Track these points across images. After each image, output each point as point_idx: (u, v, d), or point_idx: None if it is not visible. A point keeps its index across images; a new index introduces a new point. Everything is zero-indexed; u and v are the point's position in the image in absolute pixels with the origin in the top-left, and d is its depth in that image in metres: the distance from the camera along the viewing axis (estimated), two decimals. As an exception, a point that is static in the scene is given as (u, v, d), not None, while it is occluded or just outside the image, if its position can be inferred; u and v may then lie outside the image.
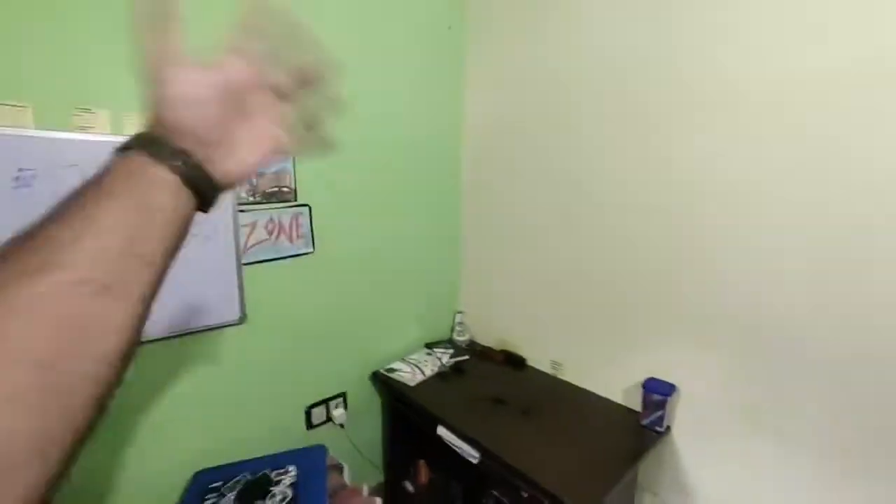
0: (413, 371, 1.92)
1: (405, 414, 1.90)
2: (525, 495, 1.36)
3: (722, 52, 1.32)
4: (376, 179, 1.87)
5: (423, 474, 2.08)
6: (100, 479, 1.31)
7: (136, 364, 0.97)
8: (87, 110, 1.19)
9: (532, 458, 1.39)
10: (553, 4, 1.75)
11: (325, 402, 1.86)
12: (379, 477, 2.14)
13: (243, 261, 1.50)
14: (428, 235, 2.15)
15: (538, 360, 2.01)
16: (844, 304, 1.18)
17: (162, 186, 0.32)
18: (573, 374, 1.87)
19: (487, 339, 2.22)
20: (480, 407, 1.69)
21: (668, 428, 1.56)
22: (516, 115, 1.95)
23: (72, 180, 1.15)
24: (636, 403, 1.61)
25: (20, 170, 1.09)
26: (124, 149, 0.32)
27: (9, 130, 1.07)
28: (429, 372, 1.94)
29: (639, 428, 1.56)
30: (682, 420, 1.56)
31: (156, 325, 1.36)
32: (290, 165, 1.59)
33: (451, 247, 2.29)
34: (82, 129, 1.18)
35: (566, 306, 1.87)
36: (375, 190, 1.88)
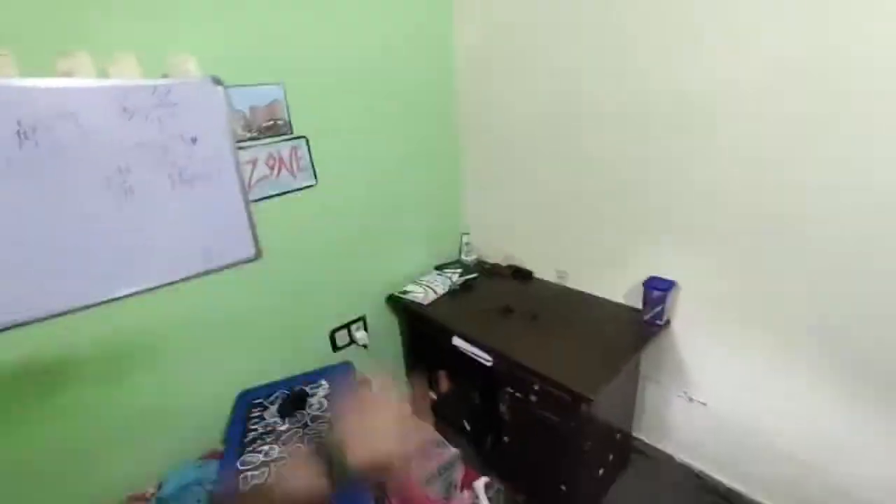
0: (426, 291, 2.03)
1: (422, 330, 2.03)
2: (536, 388, 1.50)
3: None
4: (370, 104, 1.84)
5: (444, 384, 2.26)
6: (162, 405, 1.47)
7: (173, 304, 1.06)
8: (68, 56, 1.16)
9: (541, 356, 1.52)
10: None
11: (347, 325, 1.99)
12: (404, 390, 2.35)
13: (250, 198, 1.54)
14: (428, 159, 2.14)
15: (544, 271, 2.09)
16: (831, 186, 1.20)
17: None
18: (578, 281, 1.97)
19: (494, 257, 2.30)
20: (491, 317, 1.81)
21: (668, 321, 1.67)
22: (504, 34, 1.85)
23: (69, 129, 1.16)
24: (638, 302, 1.70)
25: (19, 122, 1.09)
26: None
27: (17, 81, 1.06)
28: (440, 291, 2.04)
29: (640, 323, 1.67)
30: (681, 313, 1.66)
31: (179, 267, 1.44)
32: (281, 96, 1.56)
33: (452, 169, 2.29)
34: (66, 74, 1.17)
35: (567, 217, 1.91)
36: (371, 115, 1.85)
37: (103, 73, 1.22)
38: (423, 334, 2.05)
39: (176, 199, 1.40)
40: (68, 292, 1.26)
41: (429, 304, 1.96)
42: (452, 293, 2.05)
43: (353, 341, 2.03)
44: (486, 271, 2.23)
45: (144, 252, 1.37)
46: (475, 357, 1.70)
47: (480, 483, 1.35)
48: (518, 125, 1.96)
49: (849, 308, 1.27)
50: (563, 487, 1.60)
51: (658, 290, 1.60)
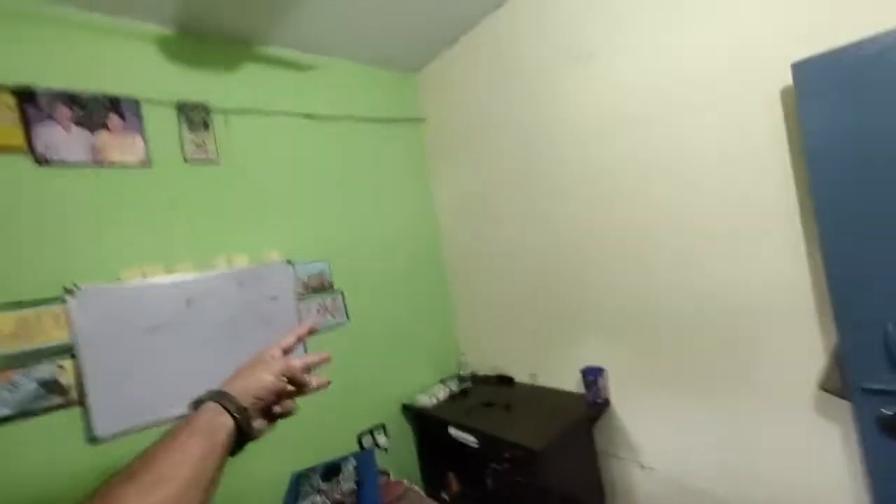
0: (431, 398, 2.64)
1: (428, 429, 2.58)
2: (507, 455, 2.01)
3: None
4: (385, 266, 2.76)
5: (454, 484, 2.68)
6: (239, 485, 2.05)
7: None
8: (215, 257, 2.14)
9: (507, 430, 2.07)
10: (474, 140, 2.74)
11: (371, 431, 2.57)
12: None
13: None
14: (429, 298, 2.99)
15: (521, 375, 2.70)
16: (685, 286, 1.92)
17: (225, 430, 0.54)
18: (546, 379, 2.55)
19: (484, 369, 2.92)
20: (476, 410, 2.38)
21: (607, 401, 2.21)
22: (464, 206, 2.87)
23: (210, 298, 2.05)
24: (582, 388, 2.27)
25: (188, 297, 2.01)
26: (202, 401, 0.56)
27: (192, 275, 2.02)
28: (442, 397, 2.65)
29: (586, 404, 2.21)
30: (615, 393, 2.21)
31: None
32: (327, 268, 2.50)
33: (447, 305, 3.11)
34: (212, 267, 2.13)
35: (530, 331, 2.61)
36: (386, 273, 2.76)
37: (230, 263, 2.18)
38: (430, 433, 2.58)
39: (261, 339, 2.23)
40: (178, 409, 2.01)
41: (432, 407, 2.56)
42: (452, 398, 2.65)
43: (375, 443, 2.58)
44: (479, 380, 2.84)
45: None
46: (465, 441, 2.23)
47: None
48: (485, 261, 2.81)
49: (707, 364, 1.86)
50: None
51: (591, 375, 2.19)
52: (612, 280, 2.14)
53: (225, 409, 0.57)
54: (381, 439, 2.60)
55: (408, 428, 2.77)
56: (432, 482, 2.70)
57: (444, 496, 2.66)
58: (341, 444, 2.43)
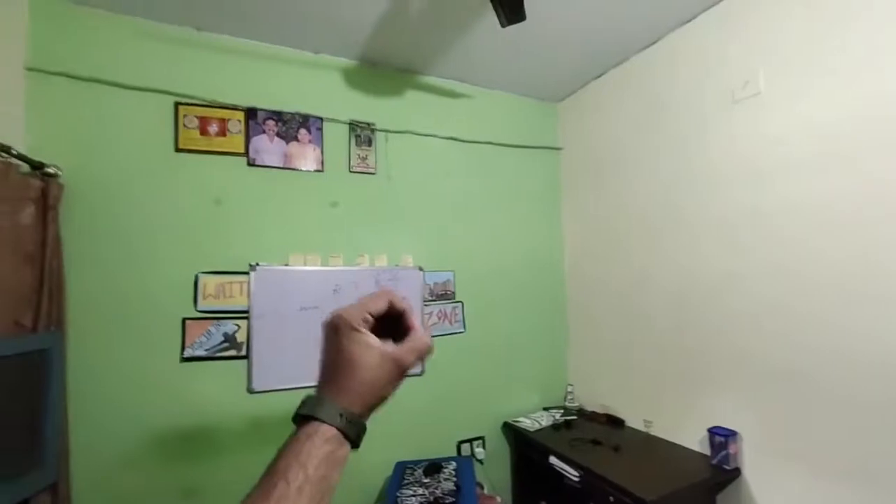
0: (533, 423, 2.61)
1: (527, 453, 2.55)
2: (612, 499, 1.91)
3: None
4: (507, 283, 2.85)
5: (545, 514, 2.60)
6: (349, 466, 2.29)
7: None
8: (361, 255, 2.45)
9: (615, 473, 1.96)
10: (610, 172, 2.70)
11: (470, 440, 2.64)
12: (510, 517, 2.72)
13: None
14: (543, 323, 2.98)
15: (634, 420, 2.52)
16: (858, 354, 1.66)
17: (343, 463, 0.47)
18: (661, 430, 2.36)
19: (593, 406, 2.80)
20: (581, 445, 2.29)
21: (738, 469, 1.96)
22: (592, 236, 2.81)
23: (352, 288, 2.36)
24: (708, 449, 2.05)
25: (336, 285, 2.34)
26: (305, 416, 0.48)
27: (341, 267, 2.36)
28: (545, 423, 2.61)
29: (710, 467, 1.98)
30: (750, 463, 1.95)
31: None
32: (452, 277, 2.67)
33: (560, 332, 3.06)
34: (357, 264, 2.44)
35: (651, 374, 2.44)
36: (506, 290, 2.84)
37: (372, 263, 2.48)
38: (527, 456, 2.55)
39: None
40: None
41: (534, 432, 2.53)
42: (555, 427, 2.59)
43: (473, 454, 2.64)
44: (585, 416, 2.73)
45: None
46: (565, 473, 2.17)
47: None
48: (607, 295, 2.72)
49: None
50: None
51: (720, 436, 1.97)
52: (759, 334, 1.91)
53: (346, 436, 0.49)
54: (479, 451, 2.65)
55: (505, 446, 2.77)
56: (526, 502, 2.65)
57: (535, 527, 2.59)
58: (440, 447, 2.54)
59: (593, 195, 2.86)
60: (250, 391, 2.13)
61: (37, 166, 1.79)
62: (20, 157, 1.70)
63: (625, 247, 2.62)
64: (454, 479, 1.92)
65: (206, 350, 2.06)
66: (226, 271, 2.15)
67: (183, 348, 2.03)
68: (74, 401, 1.82)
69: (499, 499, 2.32)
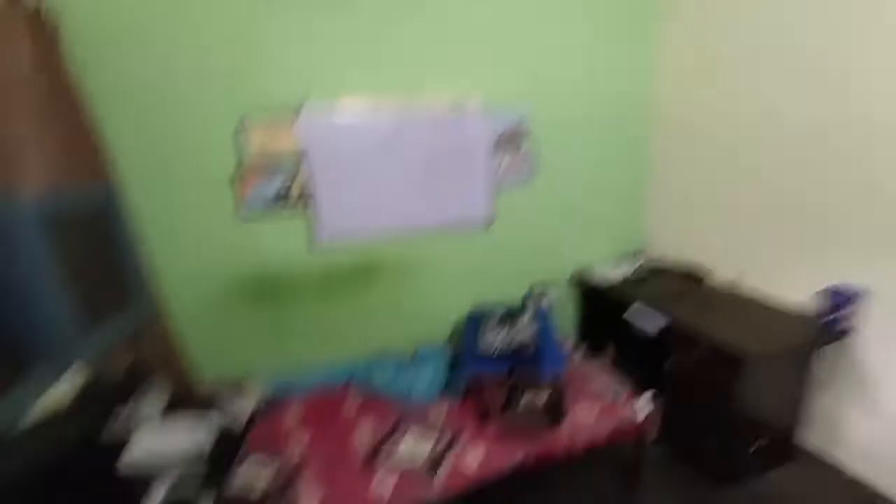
0: (606, 275, 2.50)
1: (598, 304, 2.51)
2: (699, 353, 1.84)
3: None
4: (583, 127, 2.45)
5: (608, 356, 2.66)
6: (422, 306, 2.33)
7: (428, 244, 1.87)
8: (420, 90, 2.08)
9: (707, 327, 1.85)
10: None
11: (538, 288, 2.60)
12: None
13: (496, 182, 2.30)
14: (623, 170, 2.65)
15: (720, 274, 2.35)
16: None
17: None
18: (756, 284, 2.17)
19: (672, 258, 2.62)
20: (663, 299, 2.18)
21: (851, 329, 1.79)
22: (700, 63, 2.25)
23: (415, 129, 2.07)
24: (819, 306, 1.86)
25: (394, 126, 2.05)
26: None
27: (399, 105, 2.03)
28: (619, 276, 2.49)
29: (818, 326, 1.82)
30: (871, 323, 1.76)
31: (436, 219, 2.25)
32: (526, 114, 2.29)
33: (642, 178, 2.73)
34: (415, 100, 2.09)
35: (751, 221, 2.16)
36: (582, 135, 2.46)
37: (432, 101, 2.12)
38: (597, 309, 2.52)
39: (454, 178, 2.24)
40: (389, 223, 2.18)
41: (607, 284, 2.44)
42: (630, 280, 2.48)
43: (542, 300, 2.63)
44: (663, 269, 2.58)
45: (430, 206, 2.23)
46: (642, 326, 2.11)
47: (648, 394, 1.76)
48: (712, 131, 2.29)
49: None
50: (714, 446, 1.88)
51: (841, 296, 1.76)
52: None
53: None
54: (546, 299, 2.63)
55: (573, 298, 2.75)
56: (591, 348, 2.72)
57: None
58: (508, 293, 2.53)
59: (708, 16, 2.20)
60: (315, 244, 2.07)
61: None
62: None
63: (744, 78, 2.08)
64: (533, 326, 1.90)
65: (262, 204, 1.93)
66: (271, 114, 1.88)
67: (238, 205, 1.91)
68: (153, 252, 1.83)
69: (570, 341, 2.35)
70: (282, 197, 1.96)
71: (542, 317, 2.03)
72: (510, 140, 2.32)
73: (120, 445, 1.34)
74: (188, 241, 1.91)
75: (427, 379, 1.90)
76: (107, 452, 1.31)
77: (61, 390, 1.39)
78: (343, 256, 2.13)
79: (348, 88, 1.98)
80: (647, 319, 2.11)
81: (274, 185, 1.93)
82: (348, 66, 1.97)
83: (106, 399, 1.45)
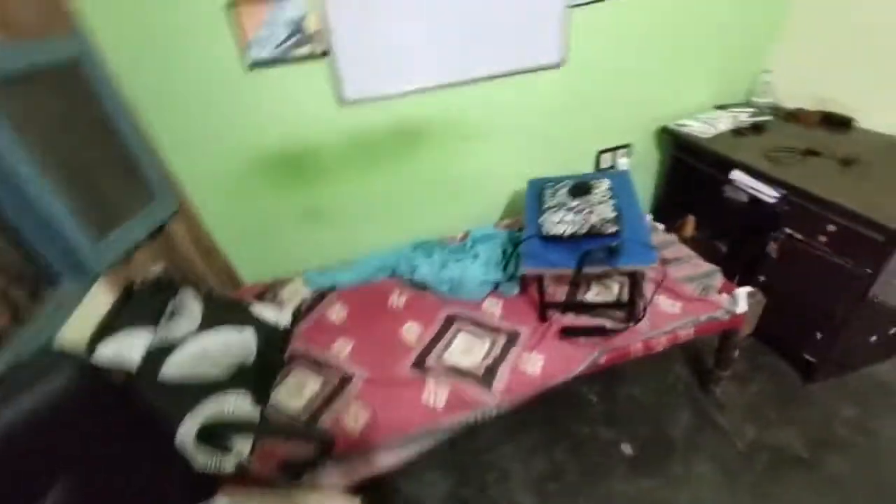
0: (705, 126, 1.94)
1: (691, 165, 2.01)
2: (832, 228, 1.42)
3: None
4: None
5: (689, 228, 2.27)
6: (471, 175, 1.97)
7: (489, 95, 1.32)
8: None
9: (848, 195, 1.38)
10: None
11: (614, 149, 2.12)
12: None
13: (567, 4, 1.66)
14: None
15: (873, 119, 1.73)
16: None
17: None
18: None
19: (801, 101, 1.97)
20: (785, 157, 1.66)
21: None
22: None
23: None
24: None
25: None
26: None
27: None
28: (723, 128, 1.93)
29: None
30: None
31: (487, 66, 1.72)
32: None
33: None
34: None
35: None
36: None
37: None
38: (689, 170, 2.03)
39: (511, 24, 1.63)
40: (426, 73, 1.70)
41: (708, 139, 1.90)
42: (737, 132, 1.91)
43: (613, 166, 2.17)
44: (786, 115, 1.96)
45: (477, 47, 1.69)
46: (756, 193, 1.65)
47: (743, 290, 1.45)
48: None
49: None
50: (819, 335, 1.59)
51: None
52: None
53: None
54: (622, 161, 2.16)
55: (656, 156, 2.24)
56: (667, 219, 2.33)
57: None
58: (576, 158, 2.09)
59: None
60: (343, 101, 1.65)
61: None
62: None
63: None
64: (610, 201, 1.51)
65: (273, 48, 1.49)
66: None
67: (243, 51, 1.48)
68: (151, 129, 1.51)
69: (649, 216, 1.96)
70: (295, 33, 1.49)
71: (621, 187, 1.63)
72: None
73: (158, 358, 1.27)
74: (188, 108, 1.54)
75: (479, 269, 1.66)
76: (146, 365, 1.25)
77: (91, 305, 1.30)
78: (377, 118, 1.72)
79: None
80: (757, 184, 1.64)
81: (284, 15, 1.45)
82: None
83: (137, 312, 1.35)
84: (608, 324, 1.44)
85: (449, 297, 1.64)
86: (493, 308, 1.59)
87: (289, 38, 1.48)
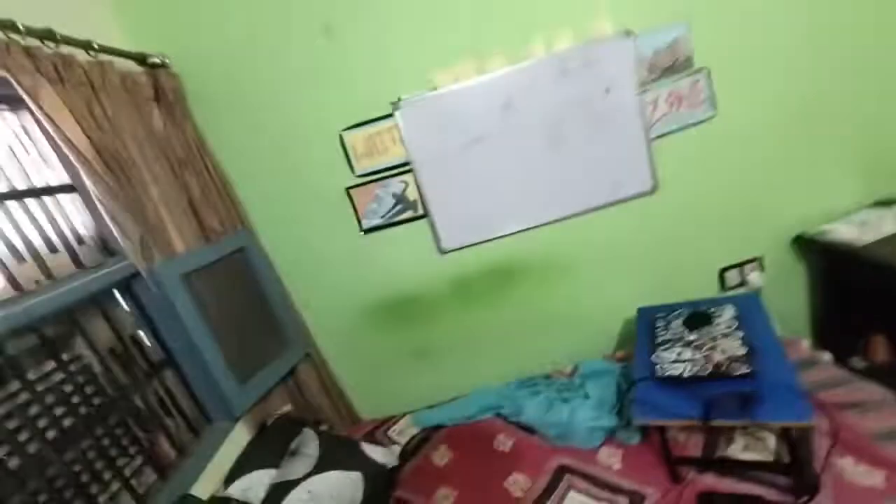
0: (859, 230, 1.64)
1: (849, 278, 1.67)
2: None
3: None
4: (787, 21, 1.60)
5: (881, 351, 1.78)
6: (575, 309, 1.91)
7: (584, 230, 1.33)
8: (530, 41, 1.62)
9: None
10: None
11: (740, 265, 1.88)
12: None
13: (651, 136, 1.70)
14: (863, 74, 1.67)
15: None
16: None
17: None
18: None
19: None
20: None
21: None
22: None
23: (527, 97, 1.61)
24: None
25: (507, 97, 1.64)
26: None
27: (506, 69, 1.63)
28: (886, 230, 1.60)
29: None
30: None
31: (591, 199, 1.77)
32: (684, 33, 1.61)
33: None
34: (528, 57, 1.64)
35: None
36: (781, 34, 1.61)
37: (549, 47, 1.63)
38: (849, 283, 1.68)
39: (591, 143, 1.73)
40: (518, 218, 1.81)
41: (865, 246, 1.58)
42: (903, 235, 1.57)
43: (743, 283, 1.90)
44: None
45: (566, 187, 1.77)
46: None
47: None
48: None
49: None
50: None
51: None
52: None
53: None
54: (753, 276, 1.89)
55: (796, 267, 1.91)
56: (837, 343, 1.88)
57: (857, 363, 1.84)
58: (693, 281, 1.89)
59: None
60: (441, 251, 1.84)
61: (138, 59, 1.53)
62: (114, 51, 1.43)
63: None
64: (737, 332, 1.30)
65: (381, 217, 1.79)
66: (367, 120, 1.70)
67: (359, 221, 1.81)
68: (291, 289, 1.87)
69: (804, 342, 1.62)
70: (399, 202, 1.79)
71: (750, 314, 1.40)
72: (668, 68, 1.66)
73: (278, 498, 1.35)
74: (316, 270, 1.89)
75: (589, 411, 1.50)
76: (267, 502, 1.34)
77: (233, 442, 1.49)
78: (473, 262, 1.86)
79: (443, 69, 1.67)
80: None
81: (389, 191, 1.78)
82: (440, 46, 1.65)
83: (265, 453, 1.50)
84: (767, 494, 1.13)
85: (558, 442, 1.50)
86: (610, 460, 1.39)
87: (393, 206, 1.78)
